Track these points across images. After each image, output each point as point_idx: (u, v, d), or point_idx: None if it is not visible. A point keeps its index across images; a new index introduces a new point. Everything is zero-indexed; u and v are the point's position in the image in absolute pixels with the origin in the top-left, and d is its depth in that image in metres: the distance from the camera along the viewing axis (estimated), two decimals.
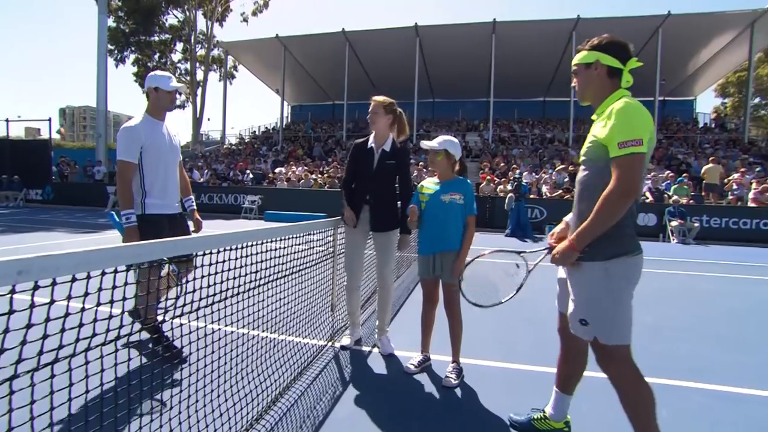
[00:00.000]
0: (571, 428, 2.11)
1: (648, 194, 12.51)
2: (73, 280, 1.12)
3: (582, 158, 1.83)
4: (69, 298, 1.13)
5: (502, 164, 17.49)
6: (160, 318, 2.71)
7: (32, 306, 1.04)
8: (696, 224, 10.84)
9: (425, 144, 2.81)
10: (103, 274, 1.23)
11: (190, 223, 3.21)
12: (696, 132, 22.55)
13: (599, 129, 1.69)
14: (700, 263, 7.66)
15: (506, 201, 11.40)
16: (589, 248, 1.70)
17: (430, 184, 2.84)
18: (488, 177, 14.79)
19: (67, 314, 1.16)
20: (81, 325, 1.23)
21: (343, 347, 3.11)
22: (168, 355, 2.60)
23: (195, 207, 3.32)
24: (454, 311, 2.74)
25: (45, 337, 1.10)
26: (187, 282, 2.75)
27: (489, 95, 21.78)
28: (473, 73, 23.96)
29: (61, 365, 1.18)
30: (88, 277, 1.23)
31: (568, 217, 1.94)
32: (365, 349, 3.16)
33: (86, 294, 1.21)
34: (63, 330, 1.17)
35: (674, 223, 10.87)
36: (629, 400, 1.70)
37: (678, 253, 8.92)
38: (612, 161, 1.61)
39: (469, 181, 2.82)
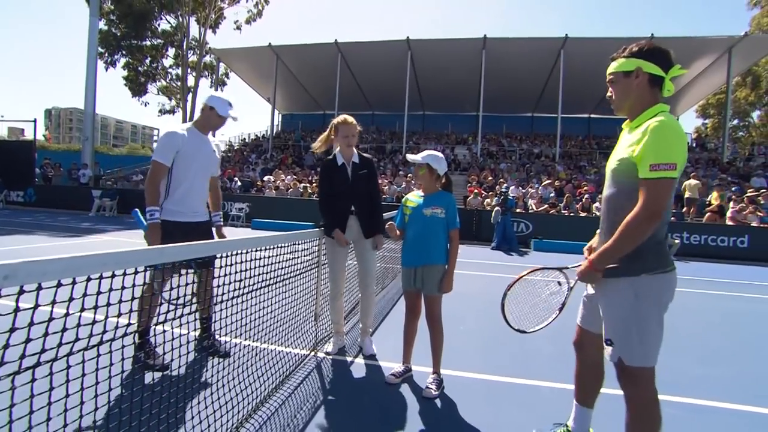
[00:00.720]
0: None
1: None
2: (59, 285, 1.15)
3: (609, 174, 1.76)
4: (53, 303, 1.15)
5: (489, 178, 17.72)
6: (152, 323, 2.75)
7: (16, 310, 1.06)
8: (677, 241, 10.99)
9: (410, 157, 2.90)
10: (89, 280, 1.25)
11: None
12: None
13: (631, 146, 1.61)
14: (680, 279, 7.83)
15: (492, 214, 11.54)
16: (615, 267, 1.66)
17: (414, 198, 2.90)
18: (476, 190, 14.97)
19: (51, 319, 1.17)
20: (64, 329, 1.25)
21: (327, 353, 3.22)
22: (150, 362, 2.64)
23: (222, 223, 3.36)
24: (435, 323, 2.78)
25: (28, 341, 1.12)
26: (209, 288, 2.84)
27: (478, 109, 22.15)
28: (463, 87, 24.35)
29: (42, 369, 1.20)
30: (74, 283, 1.25)
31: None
32: (347, 358, 3.18)
33: (71, 299, 1.23)
34: (46, 334, 1.18)
35: None
36: (638, 425, 1.67)
37: None
38: (641, 182, 1.55)
39: (452, 195, 2.88)
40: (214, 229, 3.26)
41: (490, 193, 14.90)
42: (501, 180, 16.60)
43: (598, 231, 1.90)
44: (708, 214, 12.86)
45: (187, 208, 2.98)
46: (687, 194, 14.01)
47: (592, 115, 28.12)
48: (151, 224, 2.78)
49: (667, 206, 1.60)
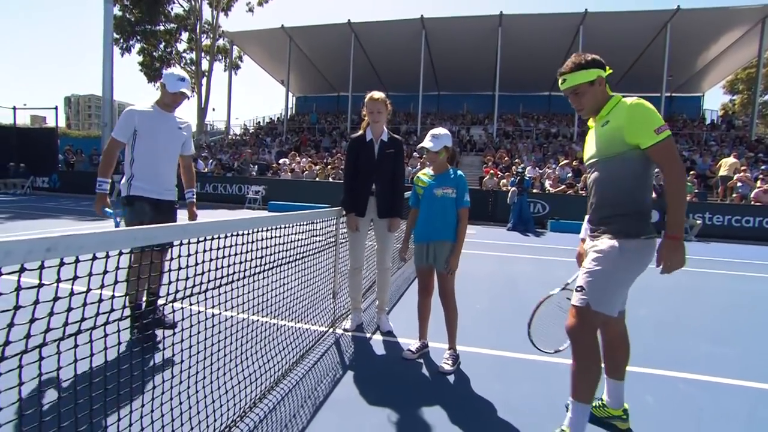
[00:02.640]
0: (629, 416, 2.12)
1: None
2: (94, 258, 1.21)
3: (592, 160, 2.01)
4: (75, 278, 1.21)
5: (505, 158, 17.48)
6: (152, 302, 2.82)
7: (58, 281, 1.13)
8: (698, 221, 10.85)
9: (424, 145, 2.81)
10: (94, 258, 1.31)
11: (183, 213, 3.29)
12: (702, 129, 22.40)
13: (617, 123, 1.85)
14: (699, 260, 7.70)
15: (509, 195, 11.44)
16: (609, 227, 1.91)
17: (424, 177, 2.90)
18: (491, 171, 14.81)
19: (71, 294, 1.24)
20: (85, 304, 1.31)
21: (345, 330, 3.30)
22: (142, 338, 2.73)
23: (194, 200, 3.44)
24: (449, 300, 2.80)
25: (48, 315, 1.19)
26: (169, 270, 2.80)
27: (494, 89, 21.71)
28: (479, 66, 23.85)
29: (67, 342, 1.27)
30: (94, 258, 1.31)
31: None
32: (365, 335, 3.26)
33: (105, 272, 1.29)
34: (70, 309, 1.25)
35: None
36: (582, 368, 1.87)
37: None
38: (655, 147, 1.76)
39: (460, 172, 2.85)
40: (187, 204, 3.38)
41: (506, 173, 14.73)
42: (517, 160, 16.36)
43: (587, 217, 2.12)
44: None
45: (158, 186, 3.05)
46: (723, 171, 13.45)
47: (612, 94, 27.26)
48: (98, 194, 2.94)
49: (648, 177, 1.90)
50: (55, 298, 1.19)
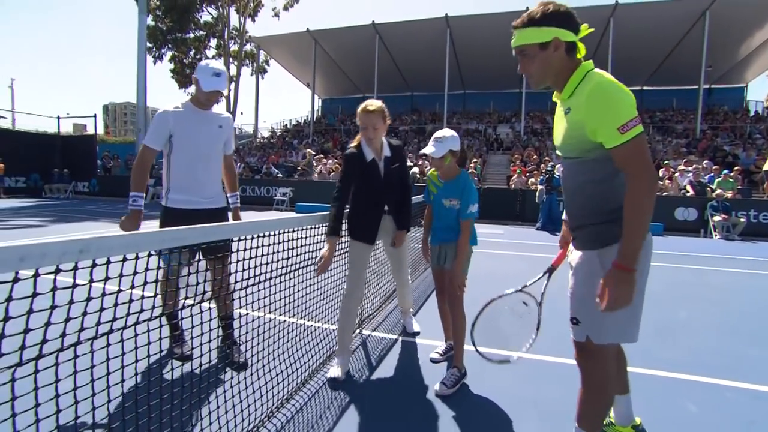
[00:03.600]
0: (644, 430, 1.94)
1: (689, 187, 11.96)
2: (124, 259, 1.24)
3: (562, 155, 1.63)
4: (106, 279, 1.24)
5: (534, 156, 17.10)
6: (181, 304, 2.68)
7: (91, 282, 1.15)
8: (742, 219, 10.28)
9: (426, 151, 2.52)
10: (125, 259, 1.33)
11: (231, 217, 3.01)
12: (746, 121, 21.23)
13: (578, 117, 1.46)
14: (744, 260, 7.29)
15: (537, 194, 11.17)
16: (581, 239, 1.59)
17: (435, 180, 2.71)
18: (519, 169, 14.52)
19: (104, 294, 1.26)
20: (116, 304, 1.34)
21: (332, 378, 2.52)
22: (175, 347, 2.63)
23: (239, 204, 3.09)
24: (454, 304, 2.56)
25: (77, 316, 1.22)
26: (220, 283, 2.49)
27: (521, 86, 21.30)
28: (505, 63, 23.27)
29: (100, 341, 1.30)
30: (124, 260, 1.34)
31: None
32: (392, 336, 3.23)
33: (135, 273, 1.32)
34: (102, 309, 1.28)
35: (717, 218, 10.36)
36: (592, 400, 1.62)
37: (721, 249, 8.50)
38: (618, 150, 1.37)
39: (469, 179, 2.58)
40: (230, 213, 2.99)
41: (535, 172, 14.40)
42: (546, 158, 15.97)
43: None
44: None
45: (198, 195, 2.68)
46: (767, 167, 12.71)
47: (645, 87, 26.28)
48: (132, 210, 2.55)
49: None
50: (88, 299, 1.22)
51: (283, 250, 2.29)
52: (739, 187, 12.13)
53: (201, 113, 2.70)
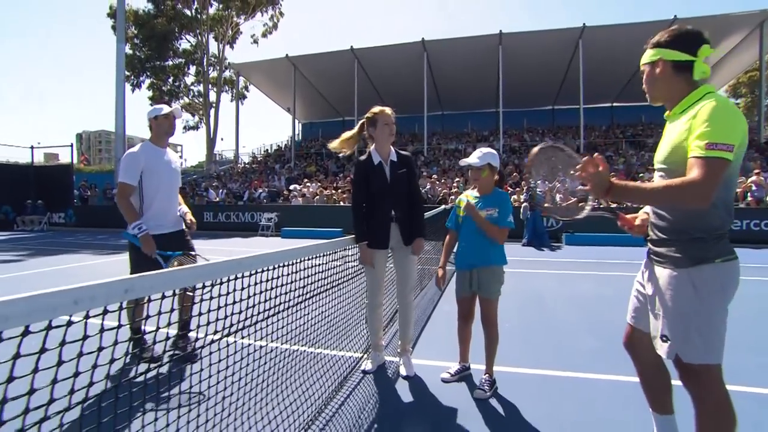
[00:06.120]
0: None
1: None
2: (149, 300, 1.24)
3: (659, 165, 1.66)
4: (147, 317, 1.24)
5: (514, 174, 17.52)
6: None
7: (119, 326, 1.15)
8: None
9: (467, 161, 2.77)
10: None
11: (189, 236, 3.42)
12: None
13: (681, 132, 1.52)
14: None
15: (521, 211, 11.42)
16: (669, 256, 1.59)
17: (467, 198, 2.83)
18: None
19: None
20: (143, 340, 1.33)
21: (365, 371, 2.95)
22: (144, 356, 2.92)
23: (187, 211, 3.46)
24: (492, 326, 2.71)
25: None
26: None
27: (498, 106, 21.96)
28: (481, 84, 24.18)
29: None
30: (163, 297, 1.34)
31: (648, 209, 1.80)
32: (396, 358, 3.22)
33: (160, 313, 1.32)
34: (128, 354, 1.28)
35: None
36: (710, 425, 1.54)
37: None
38: (692, 161, 1.41)
39: (507, 194, 2.80)
40: (183, 216, 3.38)
41: (517, 189, 14.73)
42: (526, 175, 16.36)
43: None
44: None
45: (166, 220, 3.20)
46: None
47: (615, 104, 27.45)
48: (142, 237, 2.97)
49: (726, 196, 1.52)
50: (115, 342, 1.22)
51: (289, 283, 2.30)
52: None
53: (161, 151, 3.24)
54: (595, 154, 1.66)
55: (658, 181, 1.53)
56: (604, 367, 2.99)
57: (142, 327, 3.01)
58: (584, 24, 19.34)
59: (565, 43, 20.30)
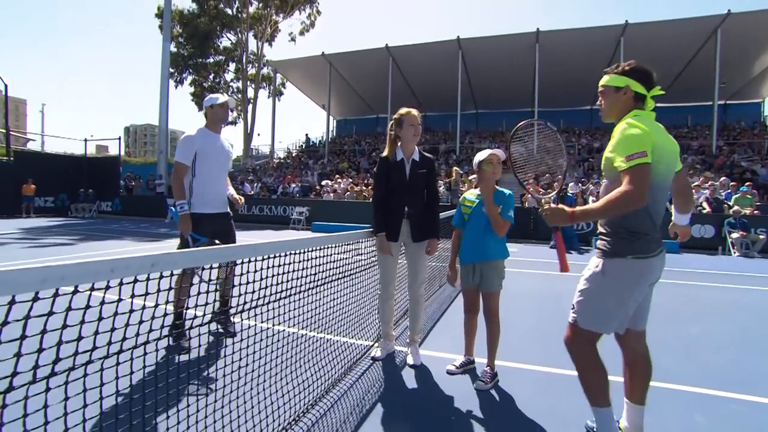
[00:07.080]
0: None
1: (705, 204, 11.89)
2: (171, 275, 1.44)
3: (603, 172, 2.02)
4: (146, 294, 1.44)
5: (547, 174, 17.17)
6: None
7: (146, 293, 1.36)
8: (762, 236, 10.17)
9: (496, 151, 3.05)
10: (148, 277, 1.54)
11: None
12: (763, 137, 21.01)
13: (608, 150, 1.88)
14: (764, 278, 7.23)
15: None
16: (599, 247, 1.95)
17: (472, 197, 2.99)
18: (532, 188, 14.58)
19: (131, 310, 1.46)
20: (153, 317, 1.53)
21: (374, 358, 3.14)
22: (182, 344, 3.07)
23: (232, 190, 3.74)
24: (494, 318, 2.85)
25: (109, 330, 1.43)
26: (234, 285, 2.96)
27: (533, 105, 21.51)
28: (517, 83, 23.77)
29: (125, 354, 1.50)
30: (160, 277, 1.54)
31: (675, 218, 2.29)
32: (405, 349, 3.36)
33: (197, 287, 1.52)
34: (142, 322, 1.48)
35: (735, 235, 10.27)
36: (583, 376, 1.97)
37: (739, 266, 8.44)
38: (622, 174, 1.73)
39: (509, 192, 2.94)
40: (229, 196, 3.65)
41: (548, 190, 14.46)
42: (559, 177, 16.00)
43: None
44: None
45: (214, 201, 3.43)
46: None
47: (659, 104, 25.98)
48: (182, 215, 3.22)
49: (653, 198, 1.80)
50: (130, 311, 1.42)
51: (310, 267, 2.49)
52: (757, 203, 12.00)
53: (215, 136, 3.50)
54: (543, 202, 2.11)
55: (603, 197, 1.81)
56: (610, 369, 3.00)
57: (184, 313, 3.16)
58: (626, 21, 18.63)
59: (606, 41, 19.65)
